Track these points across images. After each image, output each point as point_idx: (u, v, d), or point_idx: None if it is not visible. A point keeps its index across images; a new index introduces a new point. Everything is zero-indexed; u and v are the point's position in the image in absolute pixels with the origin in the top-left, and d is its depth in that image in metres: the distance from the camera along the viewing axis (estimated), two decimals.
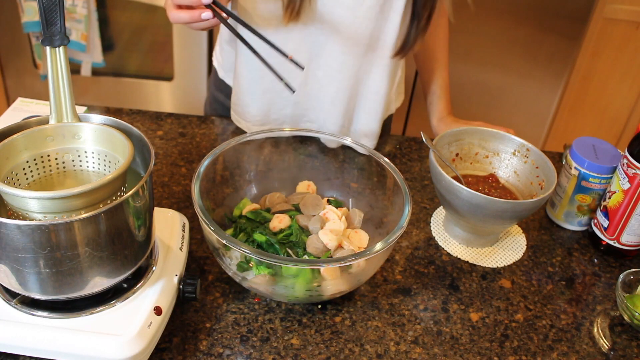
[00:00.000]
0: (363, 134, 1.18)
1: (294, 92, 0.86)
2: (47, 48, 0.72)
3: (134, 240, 0.72)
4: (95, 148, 0.77)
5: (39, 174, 0.76)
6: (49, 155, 0.76)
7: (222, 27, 1.23)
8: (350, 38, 1.04)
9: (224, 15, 0.86)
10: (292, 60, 0.86)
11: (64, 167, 0.77)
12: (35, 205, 0.65)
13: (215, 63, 1.28)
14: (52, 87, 0.74)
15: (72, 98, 0.75)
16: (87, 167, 0.78)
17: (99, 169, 0.78)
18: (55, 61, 0.73)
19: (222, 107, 1.27)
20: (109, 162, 0.77)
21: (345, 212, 0.93)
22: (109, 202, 0.70)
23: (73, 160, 0.77)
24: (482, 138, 1.02)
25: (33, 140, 0.74)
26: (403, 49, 1.07)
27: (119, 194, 0.72)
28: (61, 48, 0.73)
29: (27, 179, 0.75)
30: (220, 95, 1.27)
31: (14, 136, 0.72)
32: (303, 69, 0.86)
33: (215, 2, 0.84)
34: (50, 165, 0.76)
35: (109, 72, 2.16)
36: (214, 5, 0.84)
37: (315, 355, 0.78)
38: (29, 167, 0.75)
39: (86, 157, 0.78)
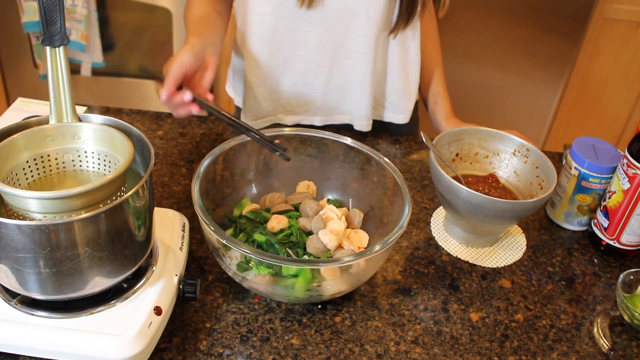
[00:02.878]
0: (399, 111, 1.22)
1: (288, 159, 0.89)
2: (47, 48, 0.72)
3: (134, 240, 0.72)
4: (95, 148, 0.77)
5: (39, 174, 0.76)
6: (49, 155, 0.76)
7: (233, 56, 1.24)
8: (369, 19, 1.07)
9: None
10: (281, 153, 0.88)
11: (64, 167, 0.77)
12: (35, 205, 0.65)
13: (233, 94, 1.29)
14: (52, 87, 0.74)
15: (72, 98, 0.75)
16: (87, 167, 0.78)
17: (99, 169, 0.78)
18: (55, 61, 0.73)
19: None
20: (109, 162, 0.77)
21: (345, 212, 0.93)
22: (109, 202, 0.70)
23: (73, 160, 0.77)
24: (482, 138, 1.02)
25: (33, 140, 0.74)
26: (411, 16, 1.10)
27: (119, 194, 0.72)
28: (61, 48, 0.73)
29: (27, 179, 0.75)
30: None
31: (14, 136, 0.72)
32: (289, 159, 0.89)
33: (196, 99, 0.86)
34: (50, 165, 0.76)
35: (109, 72, 2.16)
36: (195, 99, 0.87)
37: (315, 355, 0.78)
38: (29, 167, 0.75)
39: (86, 157, 0.78)
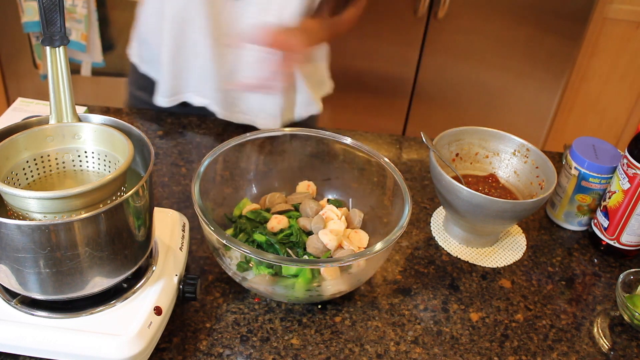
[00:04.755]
0: (312, 104, 1.22)
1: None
2: (47, 48, 0.72)
3: (134, 240, 0.72)
4: (95, 148, 0.77)
5: (39, 174, 0.76)
6: (49, 155, 0.76)
7: (142, 20, 1.18)
8: (278, 18, 1.04)
9: None
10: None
11: (64, 167, 0.77)
12: (35, 205, 0.65)
13: (134, 59, 1.24)
14: (52, 87, 0.74)
15: (72, 98, 0.75)
16: (87, 167, 0.78)
17: (99, 169, 0.78)
18: (55, 61, 0.73)
19: (145, 106, 1.24)
20: (109, 162, 0.77)
21: (345, 212, 0.93)
22: (109, 202, 0.70)
23: (73, 160, 0.77)
24: (482, 138, 1.02)
25: (33, 140, 0.74)
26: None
27: (119, 193, 0.72)
28: (61, 48, 0.73)
29: (27, 179, 0.75)
30: (143, 94, 1.24)
31: (14, 136, 0.72)
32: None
33: None
34: (50, 165, 0.76)
35: (109, 72, 2.16)
36: None
37: (315, 355, 0.78)
38: (29, 167, 0.75)
39: (86, 157, 0.78)
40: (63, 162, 0.77)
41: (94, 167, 0.78)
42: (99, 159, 0.78)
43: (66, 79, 0.74)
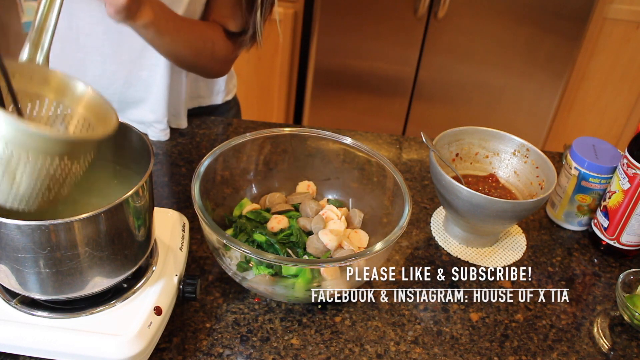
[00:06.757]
0: (217, 98, 1.24)
1: None
2: None
3: (134, 240, 0.72)
4: (67, 103, 0.69)
5: None
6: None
7: None
8: None
9: None
10: None
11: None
12: None
13: None
14: (37, 26, 0.68)
15: (49, 47, 0.70)
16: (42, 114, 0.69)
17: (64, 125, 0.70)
18: (49, 6, 0.69)
19: None
20: (81, 124, 0.70)
21: (345, 212, 0.93)
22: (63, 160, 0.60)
23: (29, 105, 0.68)
24: (482, 138, 1.02)
25: None
26: None
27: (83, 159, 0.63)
28: None
29: None
30: None
31: None
32: None
33: None
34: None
35: None
36: None
37: (315, 355, 0.78)
38: None
39: (45, 104, 0.69)
40: (18, 107, 0.66)
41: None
42: (58, 110, 0.69)
43: (51, 28, 0.69)
